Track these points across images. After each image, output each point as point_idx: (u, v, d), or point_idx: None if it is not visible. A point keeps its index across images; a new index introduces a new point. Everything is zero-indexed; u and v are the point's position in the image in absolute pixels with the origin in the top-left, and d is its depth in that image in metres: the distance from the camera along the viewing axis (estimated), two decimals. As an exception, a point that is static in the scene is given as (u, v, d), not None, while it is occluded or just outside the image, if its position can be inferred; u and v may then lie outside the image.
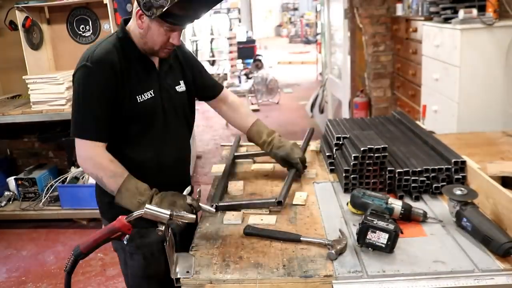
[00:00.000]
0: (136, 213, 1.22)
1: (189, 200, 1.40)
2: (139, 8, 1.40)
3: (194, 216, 1.30)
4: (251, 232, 1.37)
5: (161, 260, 1.49)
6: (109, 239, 1.23)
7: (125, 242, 1.30)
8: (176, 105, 1.64)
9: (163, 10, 1.35)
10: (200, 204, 1.43)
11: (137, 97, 1.50)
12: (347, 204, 1.51)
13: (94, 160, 1.45)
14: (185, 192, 1.43)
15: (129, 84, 1.49)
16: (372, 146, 1.59)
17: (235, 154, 2.08)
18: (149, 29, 1.45)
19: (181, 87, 1.67)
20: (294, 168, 1.74)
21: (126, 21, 1.56)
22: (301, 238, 1.33)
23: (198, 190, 1.46)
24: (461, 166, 1.57)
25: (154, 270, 1.60)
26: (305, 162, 1.79)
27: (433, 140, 1.80)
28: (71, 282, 1.26)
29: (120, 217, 1.23)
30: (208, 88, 1.83)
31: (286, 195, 1.56)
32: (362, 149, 1.59)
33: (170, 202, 1.40)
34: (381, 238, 1.22)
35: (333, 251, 1.24)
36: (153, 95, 1.54)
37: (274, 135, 1.83)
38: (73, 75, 1.48)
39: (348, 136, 1.79)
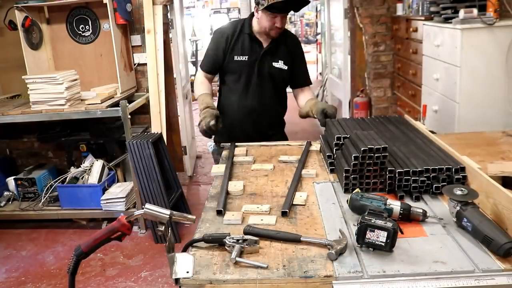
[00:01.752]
0: (136, 213, 1.22)
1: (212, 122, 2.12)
2: (256, 6, 2.23)
3: (194, 217, 1.30)
4: (251, 232, 1.37)
5: None
6: (109, 239, 1.24)
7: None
8: (266, 74, 2.35)
9: (265, 5, 2.12)
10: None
11: (235, 56, 2.32)
12: (347, 201, 1.50)
13: (197, 80, 2.48)
14: (211, 142, 2.33)
15: (233, 49, 2.33)
16: (372, 146, 1.58)
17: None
18: (261, 17, 2.23)
19: (278, 64, 2.35)
20: (325, 119, 2.11)
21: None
22: (301, 239, 1.32)
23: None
24: (461, 166, 1.57)
25: None
26: (336, 112, 2.20)
27: (433, 145, 1.79)
28: (75, 283, 1.25)
29: (120, 217, 1.24)
30: (297, 77, 2.46)
31: (291, 204, 1.55)
32: (362, 149, 1.59)
33: (209, 116, 2.15)
34: (380, 237, 1.22)
35: (333, 252, 1.24)
36: (246, 59, 2.32)
37: (317, 99, 2.48)
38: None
39: (348, 136, 1.79)
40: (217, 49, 2.34)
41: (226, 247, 1.29)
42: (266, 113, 2.43)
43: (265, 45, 2.33)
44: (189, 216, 1.28)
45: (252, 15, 2.33)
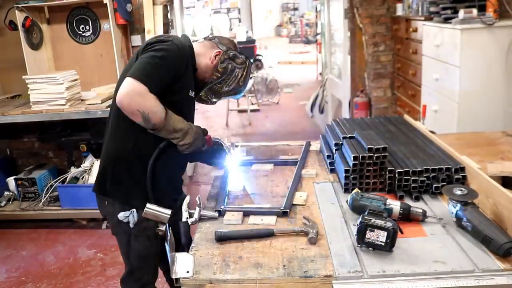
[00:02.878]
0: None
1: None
2: (220, 51, 1.76)
3: (169, 211, 1.39)
4: (223, 236, 1.37)
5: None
6: None
7: (131, 226, 1.46)
8: (192, 110, 1.84)
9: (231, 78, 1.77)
10: (202, 211, 1.49)
11: (189, 90, 1.73)
12: (347, 201, 1.51)
13: (144, 97, 1.56)
14: (184, 203, 1.52)
15: (187, 79, 1.72)
16: (372, 146, 1.59)
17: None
18: (214, 67, 1.76)
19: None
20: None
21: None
22: (275, 231, 1.37)
23: (198, 197, 1.51)
24: (461, 166, 1.57)
25: (155, 248, 1.75)
26: None
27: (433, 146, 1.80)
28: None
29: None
30: None
31: (291, 203, 1.56)
32: (368, 147, 1.59)
33: (196, 147, 1.67)
34: (380, 237, 1.22)
35: (313, 236, 1.30)
36: (193, 96, 1.77)
37: None
38: (155, 42, 1.65)
39: (348, 136, 1.79)
40: (175, 74, 1.65)
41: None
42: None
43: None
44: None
45: (189, 44, 1.76)
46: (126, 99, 1.54)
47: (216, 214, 1.54)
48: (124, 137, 1.69)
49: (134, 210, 1.65)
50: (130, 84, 1.55)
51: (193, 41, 1.81)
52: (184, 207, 1.40)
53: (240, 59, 1.78)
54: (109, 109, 1.93)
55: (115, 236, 1.80)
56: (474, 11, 2.75)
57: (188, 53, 1.71)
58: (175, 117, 1.64)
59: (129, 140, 1.67)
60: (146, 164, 1.61)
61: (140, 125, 1.58)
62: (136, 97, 1.54)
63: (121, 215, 1.64)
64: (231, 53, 1.76)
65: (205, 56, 1.78)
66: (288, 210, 1.50)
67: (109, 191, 1.70)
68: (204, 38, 1.86)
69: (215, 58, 1.77)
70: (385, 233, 1.22)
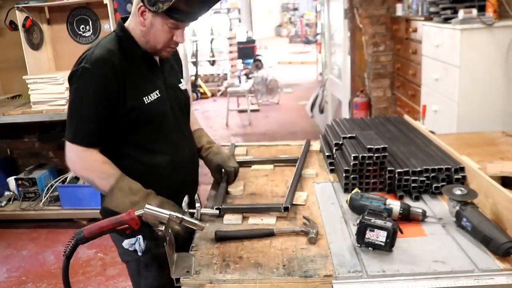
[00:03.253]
0: (136, 213, 1.22)
1: (186, 217, 1.27)
2: (141, 4, 1.35)
3: (203, 225, 1.29)
4: (223, 237, 1.37)
5: None
6: (114, 230, 1.20)
7: (139, 254, 1.29)
8: (181, 104, 1.62)
9: (170, 4, 1.30)
10: (202, 210, 1.42)
11: (144, 98, 1.44)
12: (347, 201, 1.51)
13: (85, 162, 1.41)
14: (183, 203, 1.38)
15: (133, 86, 1.42)
16: (372, 146, 1.59)
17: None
18: (152, 26, 1.39)
19: (183, 85, 1.66)
20: (225, 177, 1.68)
21: (124, 20, 1.50)
22: (275, 231, 1.37)
23: (196, 196, 1.46)
24: (461, 166, 1.58)
25: (169, 278, 1.42)
26: (237, 174, 1.71)
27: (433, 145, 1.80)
28: (69, 267, 1.21)
29: (130, 210, 1.21)
30: None
31: (292, 200, 1.56)
32: (368, 147, 1.59)
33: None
34: (380, 237, 1.23)
35: (313, 235, 1.30)
36: (159, 95, 1.49)
37: (214, 144, 1.78)
38: (69, 78, 1.41)
39: (348, 136, 1.79)
40: (106, 102, 1.38)
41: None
42: (196, 155, 1.74)
43: (158, 64, 1.55)
44: (199, 224, 1.26)
45: (123, 26, 1.48)
46: (70, 166, 1.45)
47: (217, 211, 1.46)
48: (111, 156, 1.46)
49: (140, 237, 1.46)
50: (67, 149, 1.43)
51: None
52: (184, 207, 1.39)
53: None
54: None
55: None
56: (474, 11, 2.75)
57: (108, 64, 1.37)
58: (132, 181, 1.41)
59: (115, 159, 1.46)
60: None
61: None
62: (76, 162, 1.42)
63: (126, 243, 1.45)
64: None
65: (137, 27, 1.43)
66: (289, 206, 1.50)
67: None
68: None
69: (143, 17, 1.39)
70: (385, 233, 1.22)
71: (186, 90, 1.67)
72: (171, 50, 1.50)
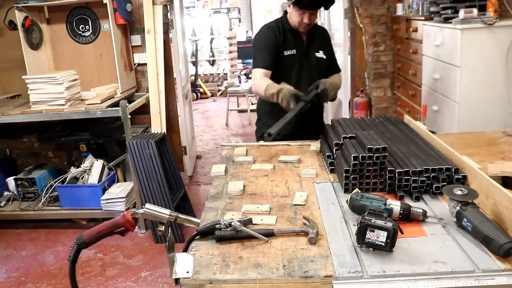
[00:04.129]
0: (139, 211, 1.23)
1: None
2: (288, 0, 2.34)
3: (199, 221, 1.31)
4: (223, 237, 1.36)
5: None
6: (112, 233, 1.25)
7: None
8: (313, 65, 2.46)
9: (293, 0, 2.30)
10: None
11: (284, 51, 2.40)
12: (347, 201, 1.51)
13: (256, 82, 2.34)
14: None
15: (282, 44, 2.40)
16: (372, 146, 1.58)
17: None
18: (291, 12, 2.38)
19: (319, 54, 2.48)
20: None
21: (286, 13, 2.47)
22: (275, 231, 1.36)
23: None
24: (455, 168, 1.57)
25: None
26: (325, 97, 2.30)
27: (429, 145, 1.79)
28: (75, 272, 1.27)
29: (125, 212, 1.25)
30: (331, 65, 2.59)
31: (281, 130, 1.74)
32: (368, 147, 1.59)
33: (287, 100, 2.10)
34: (380, 237, 1.22)
35: (313, 236, 1.29)
36: (295, 52, 2.41)
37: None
38: (255, 36, 2.50)
39: (348, 136, 1.79)
40: (271, 45, 2.37)
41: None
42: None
43: (304, 38, 2.46)
44: (194, 220, 1.28)
45: (285, 12, 2.47)
46: (252, 86, 2.43)
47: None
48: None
49: None
50: (253, 73, 2.40)
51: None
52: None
53: None
54: (109, 109, 1.95)
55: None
56: (475, 11, 2.75)
57: (272, 29, 2.42)
58: (269, 87, 2.19)
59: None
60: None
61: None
62: (254, 83, 2.37)
63: None
64: None
65: (290, 16, 2.41)
66: (272, 132, 1.68)
67: None
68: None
69: (289, 7, 2.37)
70: (386, 233, 1.22)
71: (321, 58, 2.49)
72: (304, 27, 2.39)
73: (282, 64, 2.38)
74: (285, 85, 2.18)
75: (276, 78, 2.35)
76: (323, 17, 6.19)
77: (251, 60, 8.84)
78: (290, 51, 2.40)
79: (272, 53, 2.35)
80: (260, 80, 2.28)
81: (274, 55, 2.36)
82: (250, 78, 8.10)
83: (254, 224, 1.44)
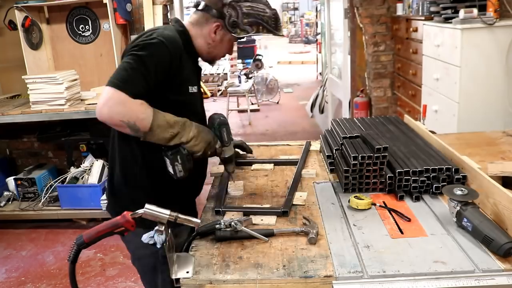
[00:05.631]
0: (139, 211, 1.23)
1: (218, 145, 1.55)
2: (218, 23, 1.57)
3: (199, 221, 1.30)
4: (223, 237, 1.36)
5: None
6: (112, 233, 1.25)
7: (158, 246, 1.23)
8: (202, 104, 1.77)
9: (247, 33, 1.58)
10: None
11: (189, 87, 1.60)
12: (348, 201, 1.51)
13: (126, 105, 1.39)
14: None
15: (184, 73, 1.56)
16: (380, 146, 1.58)
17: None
18: (222, 41, 1.62)
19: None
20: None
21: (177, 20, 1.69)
22: (275, 231, 1.36)
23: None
24: (456, 168, 1.57)
25: None
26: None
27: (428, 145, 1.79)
28: (75, 272, 1.26)
29: (125, 212, 1.24)
30: None
31: (291, 204, 1.55)
32: (376, 147, 1.59)
33: (206, 140, 1.52)
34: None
35: (313, 236, 1.29)
36: (196, 90, 1.64)
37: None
38: (136, 40, 1.51)
39: (348, 136, 1.79)
40: (157, 71, 1.46)
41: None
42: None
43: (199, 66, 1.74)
44: (194, 220, 1.27)
45: (184, 32, 1.62)
46: (105, 111, 1.38)
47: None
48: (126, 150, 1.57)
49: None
50: (108, 94, 1.38)
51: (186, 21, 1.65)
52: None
53: (248, 14, 1.54)
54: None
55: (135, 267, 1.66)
56: (475, 11, 2.75)
57: (177, 45, 1.51)
58: (165, 113, 1.46)
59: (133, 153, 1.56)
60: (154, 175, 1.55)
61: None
62: (116, 107, 1.37)
63: (145, 237, 1.34)
64: (231, 20, 1.54)
65: (202, 37, 1.61)
66: (288, 210, 1.49)
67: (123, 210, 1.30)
68: (195, 7, 1.64)
69: (215, 34, 1.59)
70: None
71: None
72: (223, 56, 1.72)
73: (178, 106, 1.55)
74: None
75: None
76: (323, 17, 6.19)
77: (251, 60, 8.88)
78: (194, 88, 1.63)
79: (151, 83, 1.45)
80: (132, 103, 1.40)
81: (152, 87, 1.46)
82: (250, 78, 8.10)
83: (254, 224, 1.44)
